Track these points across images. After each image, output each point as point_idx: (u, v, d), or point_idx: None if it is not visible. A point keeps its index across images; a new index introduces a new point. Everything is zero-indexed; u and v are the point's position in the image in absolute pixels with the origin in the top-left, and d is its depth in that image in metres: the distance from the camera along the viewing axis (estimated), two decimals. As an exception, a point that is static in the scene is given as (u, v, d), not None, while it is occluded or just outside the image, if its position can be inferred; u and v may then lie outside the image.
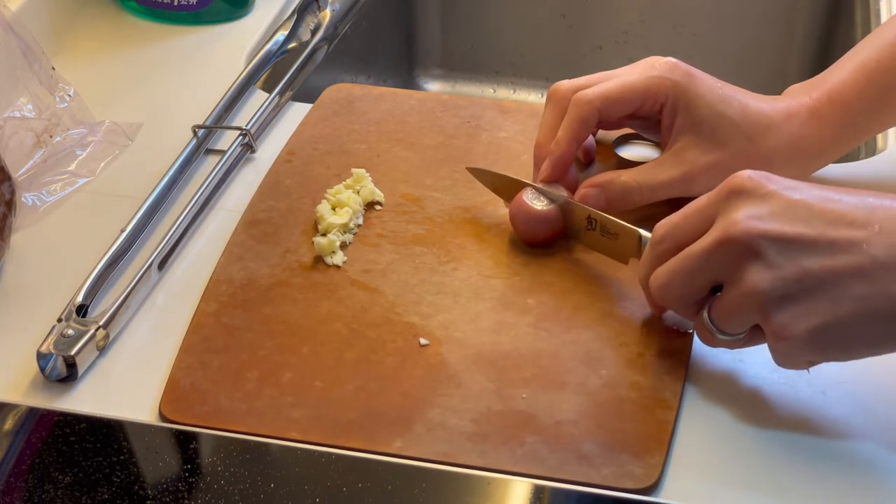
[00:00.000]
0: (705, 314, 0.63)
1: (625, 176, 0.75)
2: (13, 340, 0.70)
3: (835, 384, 0.66)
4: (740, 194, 0.61)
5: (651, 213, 0.75)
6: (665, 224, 0.65)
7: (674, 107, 0.75)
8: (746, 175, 0.62)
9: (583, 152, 0.81)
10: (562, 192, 0.75)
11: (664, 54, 0.78)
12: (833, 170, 0.81)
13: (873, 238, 0.59)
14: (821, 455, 0.63)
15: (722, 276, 0.62)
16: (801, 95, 0.76)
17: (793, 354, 0.61)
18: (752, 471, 0.62)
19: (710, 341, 0.65)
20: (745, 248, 0.60)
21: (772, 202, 0.61)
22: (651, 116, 0.76)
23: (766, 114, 0.75)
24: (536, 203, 0.74)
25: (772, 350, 0.62)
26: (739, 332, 0.63)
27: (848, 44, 0.86)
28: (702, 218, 0.63)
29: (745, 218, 0.60)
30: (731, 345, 0.64)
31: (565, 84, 0.77)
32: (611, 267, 0.73)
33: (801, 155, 0.76)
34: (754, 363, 0.67)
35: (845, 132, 0.76)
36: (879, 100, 0.76)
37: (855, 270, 0.59)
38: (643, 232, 0.70)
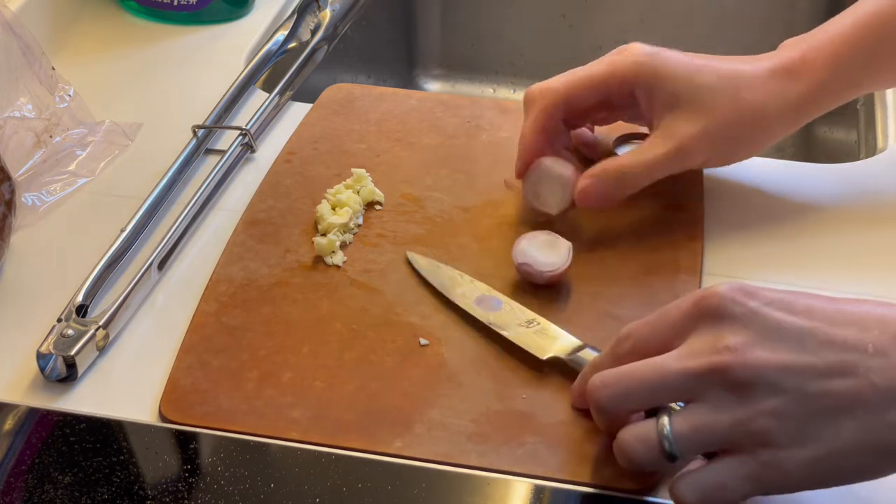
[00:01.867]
0: (666, 427, 0.57)
1: (619, 160, 0.74)
2: (13, 340, 0.70)
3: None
4: (720, 318, 0.56)
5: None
6: (631, 328, 0.60)
7: (646, 86, 0.74)
8: (720, 294, 0.56)
9: (586, 150, 0.81)
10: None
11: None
12: (834, 170, 0.81)
13: (869, 361, 0.54)
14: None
15: (697, 398, 0.56)
16: (791, 48, 0.75)
17: (782, 488, 0.55)
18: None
19: (647, 461, 0.58)
20: (738, 380, 0.55)
21: (758, 324, 0.56)
22: (628, 103, 0.76)
23: (745, 72, 0.73)
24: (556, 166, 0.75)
25: (754, 483, 0.55)
26: (697, 455, 0.58)
27: (848, 44, 0.86)
28: (671, 329, 0.58)
29: (739, 347, 0.55)
30: (665, 470, 0.59)
31: (535, 87, 0.77)
32: (611, 267, 0.73)
33: (792, 105, 0.74)
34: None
35: (838, 79, 0.74)
36: (872, 47, 0.74)
37: (854, 398, 0.54)
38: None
